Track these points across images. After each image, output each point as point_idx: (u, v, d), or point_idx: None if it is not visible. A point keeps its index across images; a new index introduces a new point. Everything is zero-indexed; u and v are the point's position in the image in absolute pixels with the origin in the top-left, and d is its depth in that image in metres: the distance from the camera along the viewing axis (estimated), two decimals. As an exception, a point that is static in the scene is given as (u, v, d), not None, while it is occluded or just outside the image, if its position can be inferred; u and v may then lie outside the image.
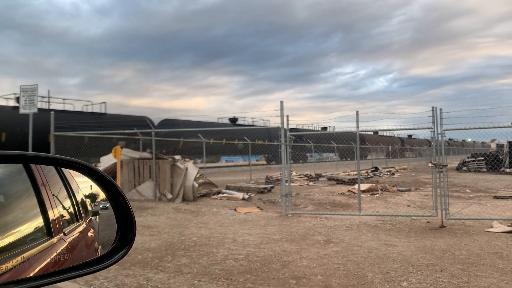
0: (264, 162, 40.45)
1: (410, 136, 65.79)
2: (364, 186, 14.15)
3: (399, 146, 51.19)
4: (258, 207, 10.87)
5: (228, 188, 15.37)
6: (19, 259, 1.01)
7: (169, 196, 12.00)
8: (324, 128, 41.34)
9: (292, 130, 26.08)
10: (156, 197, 12.00)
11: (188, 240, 6.76)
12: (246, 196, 12.96)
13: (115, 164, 12.07)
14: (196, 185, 12.77)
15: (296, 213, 9.69)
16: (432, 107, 8.72)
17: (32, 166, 1.23)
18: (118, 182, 11.44)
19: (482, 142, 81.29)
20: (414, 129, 9.73)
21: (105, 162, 13.32)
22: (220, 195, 13.48)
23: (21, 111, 12.20)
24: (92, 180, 1.35)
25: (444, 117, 8.68)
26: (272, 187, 15.77)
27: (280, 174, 10.86)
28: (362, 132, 10.60)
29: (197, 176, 13.69)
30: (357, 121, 9.33)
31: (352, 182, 17.82)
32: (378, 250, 6.03)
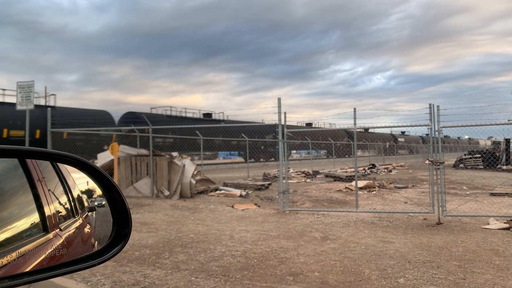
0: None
1: (366, 129, 62.29)
2: (361, 183, 14.18)
3: (342, 142, 47.83)
4: (255, 204, 10.88)
5: (225, 185, 15.37)
6: (14, 254, 1.00)
7: (167, 193, 11.99)
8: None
9: (289, 127, 25.31)
10: (153, 194, 11.99)
11: (186, 237, 6.76)
12: (244, 193, 12.96)
13: (112, 161, 12.04)
14: (194, 182, 12.77)
15: (294, 210, 9.70)
16: (430, 104, 8.73)
17: (28, 162, 1.23)
18: (115, 179, 11.42)
19: (469, 138, 79.13)
20: (411, 126, 9.74)
21: (102, 158, 13.29)
22: (217, 192, 13.47)
23: (18, 107, 12.16)
24: (88, 175, 1.34)
25: (441, 114, 8.69)
26: (269, 184, 15.78)
27: (278, 171, 10.87)
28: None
29: (195, 173, 13.69)
30: (355, 118, 9.35)
31: (350, 179, 17.84)
32: (375, 247, 6.05)
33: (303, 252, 5.79)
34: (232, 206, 10.37)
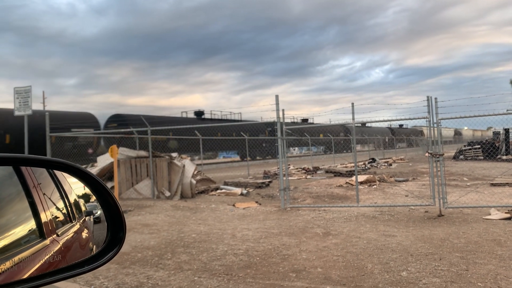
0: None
1: (363, 124, 59.14)
2: (361, 178, 14.19)
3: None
4: (256, 202, 10.88)
5: (226, 184, 15.37)
6: (11, 261, 1.00)
7: (167, 193, 11.99)
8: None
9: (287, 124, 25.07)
10: (154, 195, 11.99)
11: (188, 237, 6.76)
12: (244, 191, 12.97)
13: (112, 163, 12.04)
14: (194, 182, 12.77)
15: (295, 207, 9.71)
16: (427, 97, 8.72)
17: (23, 169, 1.22)
18: (116, 182, 11.42)
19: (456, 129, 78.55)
20: (410, 119, 9.74)
21: (102, 161, 13.29)
22: (218, 191, 13.48)
23: (16, 113, 12.14)
24: (81, 180, 1.34)
25: (440, 106, 8.68)
26: (270, 182, 15.78)
27: (278, 168, 10.87)
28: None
29: (195, 173, 13.69)
30: (353, 113, 9.35)
31: (350, 174, 17.85)
32: (377, 241, 6.05)
33: (305, 248, 5.79)
34: (233, 205, 10.37)
